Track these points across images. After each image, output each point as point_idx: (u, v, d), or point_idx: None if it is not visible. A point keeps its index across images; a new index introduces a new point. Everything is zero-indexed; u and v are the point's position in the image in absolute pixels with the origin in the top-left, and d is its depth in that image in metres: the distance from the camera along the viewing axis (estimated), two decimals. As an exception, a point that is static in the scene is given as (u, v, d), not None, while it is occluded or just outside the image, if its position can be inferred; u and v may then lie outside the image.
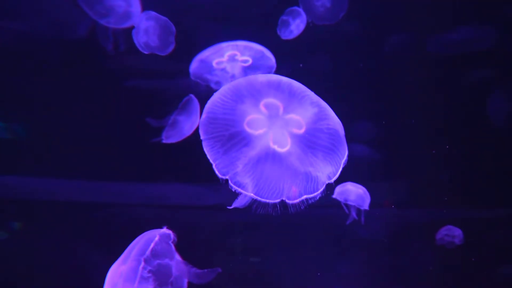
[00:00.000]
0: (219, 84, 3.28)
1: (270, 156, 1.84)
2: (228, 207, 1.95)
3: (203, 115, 1.92)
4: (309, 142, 1.89)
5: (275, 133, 1.85)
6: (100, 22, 2.69)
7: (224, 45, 3.13)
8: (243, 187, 1.86)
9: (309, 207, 1.88)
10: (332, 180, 1.94)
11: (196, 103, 2.97)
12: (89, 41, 2.79)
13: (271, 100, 1.89)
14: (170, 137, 2.92)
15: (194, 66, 3.22)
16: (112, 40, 2.71)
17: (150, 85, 3.09)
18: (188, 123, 2.95)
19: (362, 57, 3.38)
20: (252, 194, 1.87)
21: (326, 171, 1.91)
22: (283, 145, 1.84)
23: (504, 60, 3.37)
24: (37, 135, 3.18)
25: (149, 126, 2.86)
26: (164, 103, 2.99)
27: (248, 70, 3.28)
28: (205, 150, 1.88)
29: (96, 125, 3.10)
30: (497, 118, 3.38)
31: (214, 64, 3.20)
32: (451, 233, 3.38)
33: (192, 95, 2.99)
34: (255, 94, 1.91)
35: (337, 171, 1.93)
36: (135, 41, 2.83)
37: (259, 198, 1.87)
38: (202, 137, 1.89)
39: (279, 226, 3.33)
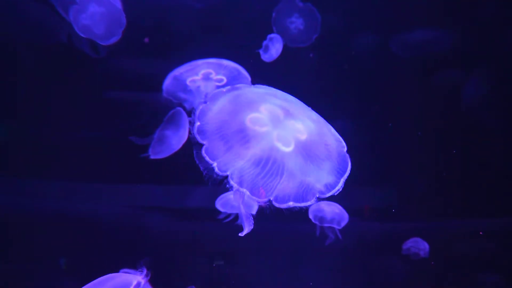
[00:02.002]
0: (191, 104, 3.19)
1: (273, 156, 1.76)
2: (240, 234, 1.84)
3: (203, 123, 1.83)
4: (311, 151, 1.82)
5: (279, 131, 1.78)
6: (78, 26, 2.57)
7: (199, 62, 3.07)
8: (241, 184, 1.77)
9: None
10: (330, 194, 1.87)
11: (184, 115, 2.84)
12: (67, 46, 2.66)
13: (270, 106, 1.83)
14: (158, 153, 2.77)
15: (167, 82, 3.12)
16: (88, 45, 2.58)
17: (123, 96, 2.97)
18: (176, 137, 2.81)
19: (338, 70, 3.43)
20: (247, 192, 1.77)
21: (325, 182, 1.84)
22: (288, 144, 1.77)
23: (465, 59, 3.49)
24: (14, 138, 3.00)
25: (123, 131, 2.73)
26: (139, 116, 2.89)
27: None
28: (203, 150, 1.78)
29: (69, 130, 2.95)
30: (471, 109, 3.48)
31: (188, 82, 3.12)
32: (417, 245, 3.44)
33: (179, 108, 2.87)
34: (253, 100, 1.84)
35: (336, 185, 1.87)
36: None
37: (253, 197, 1.78)
38: (199, 140, 1.79)
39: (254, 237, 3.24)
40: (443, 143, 3.53)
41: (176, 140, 2.80)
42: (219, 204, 3.50)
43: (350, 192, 3.31)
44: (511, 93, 3.42)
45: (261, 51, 3.28)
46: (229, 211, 3.51)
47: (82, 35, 2.57)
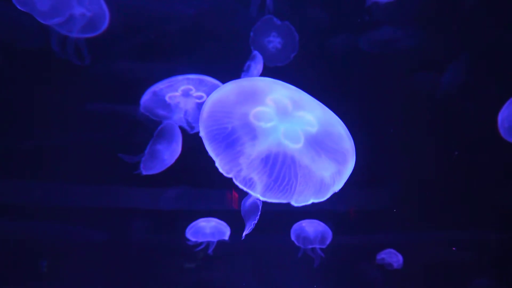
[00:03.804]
0: (170, 121, 3.10)
1: (281, 153, 1.68)
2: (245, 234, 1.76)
3: (203, 113, 1.75)
4: (322, 144, 1.76)
5: (286, 127, 1.70)
6: (61, 31, 2.43)
7: (179, 78, 3.00)
8: (249, 186, 1.67)
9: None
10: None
11: (176, 128, 2.74)
12: (51, 53, 2.51)
13: (278, 96, 1.75)
14: (151, 169, 2.65)
15: (146, 98, 3.02)
16: (71, 51, 2.42)
17: (105, 109, 2.85)
18: (168, 151, 2.69)
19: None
20: (259, 196, 1.68)
21: (336, 175, 1.78)
22: (296, 141, 1.69)
23: (431, 55, 3.53)
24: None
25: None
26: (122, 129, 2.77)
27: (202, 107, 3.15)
28: (206, 146, 1.69)
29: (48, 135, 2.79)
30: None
31: (167, 98, 3.04)
32: (390, 257, 3.48)
33: (170, 121, 2.76)
34: (260, 91, 1.76)
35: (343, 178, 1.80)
36: None
37: (267, 199, 1.69)
38: (201, 133, 1.71)
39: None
40: (422, 149, 3.57)
41: (168, 154, 2.69)
42: (189, 233, 3.40)
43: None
44: (479, 89, 3.50)
45: (242, 74, 3.26)
46: (200, 240, 3.40)
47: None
